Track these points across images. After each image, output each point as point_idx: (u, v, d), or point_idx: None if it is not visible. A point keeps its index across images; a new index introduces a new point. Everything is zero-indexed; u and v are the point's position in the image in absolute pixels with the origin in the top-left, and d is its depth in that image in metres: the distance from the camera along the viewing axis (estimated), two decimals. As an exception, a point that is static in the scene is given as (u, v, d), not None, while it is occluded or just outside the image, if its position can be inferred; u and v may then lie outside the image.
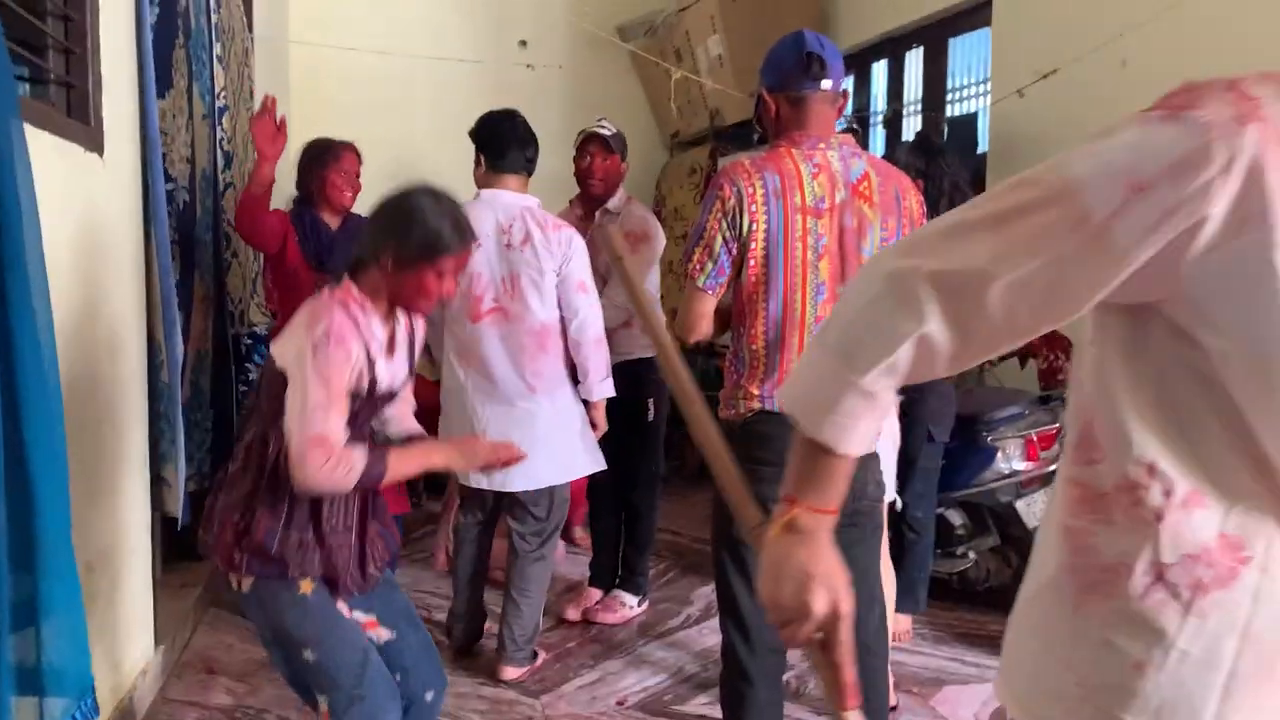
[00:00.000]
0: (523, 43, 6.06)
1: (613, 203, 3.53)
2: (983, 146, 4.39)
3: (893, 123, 5.22)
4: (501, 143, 3.01)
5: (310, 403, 1.84)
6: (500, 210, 2.96)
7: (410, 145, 5.25)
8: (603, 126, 3.50)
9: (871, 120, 5.40)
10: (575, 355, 3.02)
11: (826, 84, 2.13)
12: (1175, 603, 0.86)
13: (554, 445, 2.97)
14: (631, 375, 3.48)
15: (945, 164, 3.23)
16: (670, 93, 5.53)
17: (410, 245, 1.95)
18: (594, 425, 3.12)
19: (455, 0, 5.99)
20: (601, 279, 3.47)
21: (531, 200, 3.02)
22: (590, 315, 2.98)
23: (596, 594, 3.66)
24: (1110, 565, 0.90)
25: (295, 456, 1.84)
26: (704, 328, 2.20)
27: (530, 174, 3.08)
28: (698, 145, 5.83)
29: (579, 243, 2.99)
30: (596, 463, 3.11)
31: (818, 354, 0.97)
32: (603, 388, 3.05)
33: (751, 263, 2.10)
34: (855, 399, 0.94)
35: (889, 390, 0.94)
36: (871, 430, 0.97)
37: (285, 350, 1.91)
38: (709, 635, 3.36)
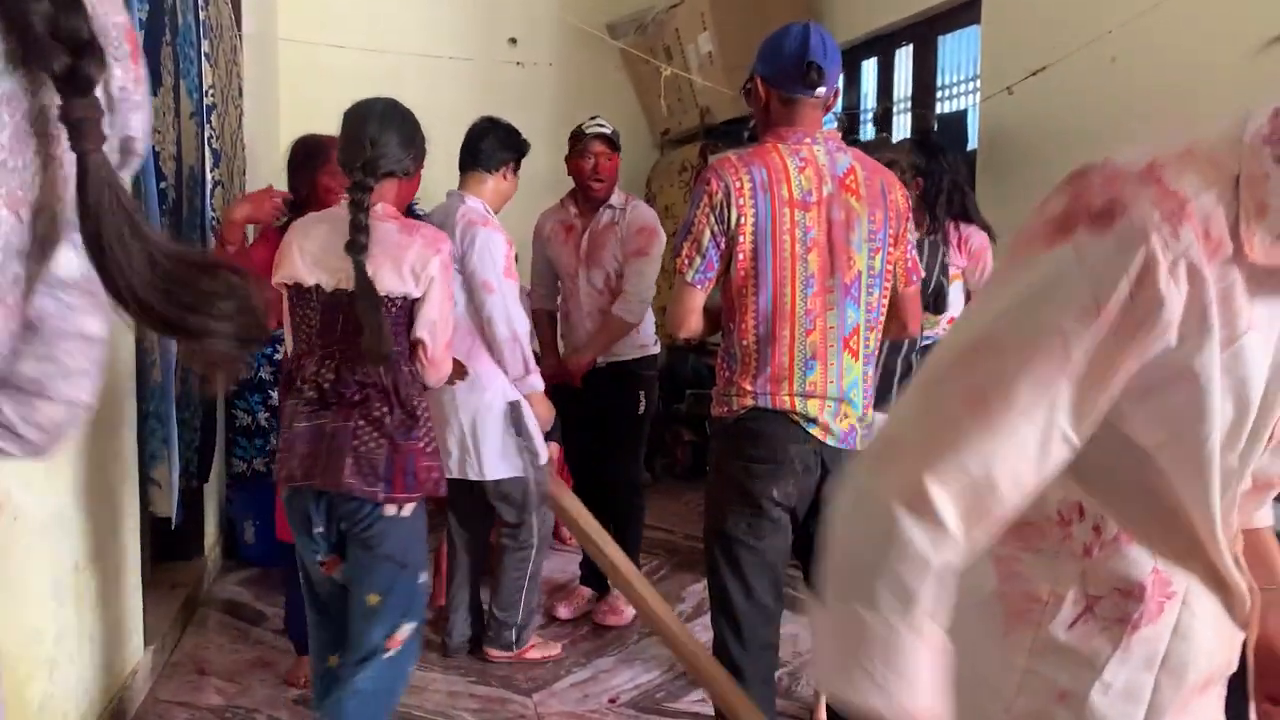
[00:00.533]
0: (512, 40, 6.04)
1: (616, 199, 3.53)
2: (972, 144, 4.40)
3: (882, 120, 5.22)
4: (462, 151, 3.14)
5: (443, 313, 2.14)
6: (445, 209, 3.06)
7: (400, 143, 5.23)
8: (602, 125, 3.48)
9: (861, 118, 5.40)
10: (494, 355, 2.93)
11: (821, 91, 2.14)
12: (1104, 635, 0.87)
13: (453, 437, 2.97)
14: (622, 374, 3.48)
15: (945, 162, 3.23)
16: (660, 90, 5.51)
17: (421, 138, 2.24)
18: (537, 417, 3.03)
19: (445, -3, 5.98)
20: (608, 274, 3.49)
21: (472, 199, 3.02)
22: (497, 314, 2.88)
23: (587, 593, 3.65)
24: (1039, 594, 0.90)
25: (437, 360, 2.13)
26: (693, 323, 2.20)
27: (486, 169, 3.07)
28: (688, 143, 5.81)
29: (482, 239, 2.90)
30: (512, 469, 3.00)
31: (857, 625, 0.83)
32: (527, 383, 2.97)
33: (740, 256, 2.11)
34: (923, 653, 0.82)
35: None
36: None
37: (423, 270, 2.08)
38: (701, 632, 3.34)
